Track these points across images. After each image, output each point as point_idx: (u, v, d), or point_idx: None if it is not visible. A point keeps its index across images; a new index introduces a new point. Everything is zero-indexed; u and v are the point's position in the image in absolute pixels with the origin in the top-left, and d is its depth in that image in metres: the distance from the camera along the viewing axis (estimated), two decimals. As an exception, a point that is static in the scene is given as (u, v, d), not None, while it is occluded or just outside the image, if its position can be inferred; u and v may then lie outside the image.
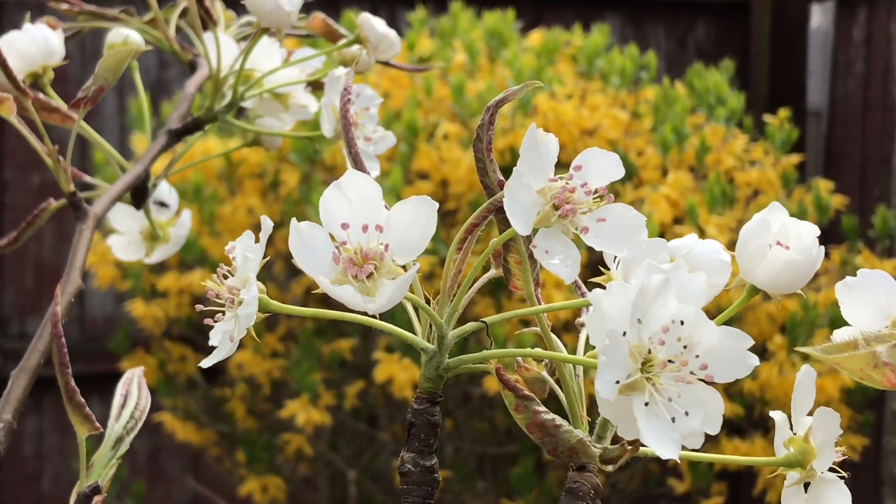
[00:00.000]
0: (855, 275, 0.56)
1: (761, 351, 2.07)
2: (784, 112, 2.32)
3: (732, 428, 2.14)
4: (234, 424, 2.28)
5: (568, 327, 1.96)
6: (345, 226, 0.48)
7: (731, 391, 2.08)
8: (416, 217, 0.48)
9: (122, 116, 2.68)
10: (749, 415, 2.13)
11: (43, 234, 2.71)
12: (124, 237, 0.80)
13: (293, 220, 0.47)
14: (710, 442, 2.17)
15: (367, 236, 0.48)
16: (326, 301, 2.11)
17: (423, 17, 2.38)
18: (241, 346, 2.21)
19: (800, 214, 2.14)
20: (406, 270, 0.49)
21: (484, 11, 2.45)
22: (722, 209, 2.09)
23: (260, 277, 0.51)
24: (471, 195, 2.09)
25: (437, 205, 0.48)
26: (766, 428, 2.16)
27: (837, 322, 1.93)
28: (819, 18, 3.09)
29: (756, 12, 3.08)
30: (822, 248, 0.53)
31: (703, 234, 2.02)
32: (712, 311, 1.92)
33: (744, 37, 3.14)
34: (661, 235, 1.70)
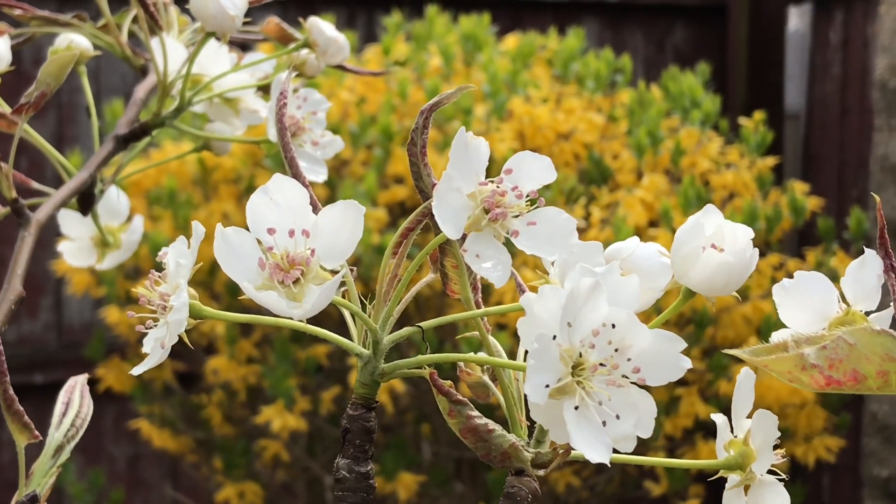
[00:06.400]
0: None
1: (737, 353, 2.07)
2: (759, 115, 2.33)
3: (709, 430, 2.14)
4: (210, 431, 2.27)
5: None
6: (271, 231, 0.48)
7: (707, 394, 2.08)
8: (344, 221, 0.48)
9: (100, 122, 2.67)
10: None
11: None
12: (75, 243, 0.80)
13: (218, 225, 0.47)
14: (687, 445, 2.18)
15: (294, 241, 0.48)
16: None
17: (398, 22, 2.38)
18: (216, 352, 2.21)
19: (775, 216, 2.15)
20: (334, 275, 0.48)
21: (461, 15, 2.45)
22: (697, 212, 2.09)
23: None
24: (446, 199, 2.09)
25: (363, 209, 0.48)
26: (743, 430, 2.16)
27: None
28: (796, 21, 3.10)
29: (733, 15, 3.09)
30: (756, 250, 0.53)
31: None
32: (687, 314, 1.92)
33: (721, 40, 3.15)
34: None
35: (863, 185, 2.87)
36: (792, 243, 2.82)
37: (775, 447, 0.56)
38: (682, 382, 2.09)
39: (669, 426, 2.05)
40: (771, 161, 2.26)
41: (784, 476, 0.56)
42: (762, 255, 2.19)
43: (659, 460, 0.56)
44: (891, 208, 2.43)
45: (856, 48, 2.93)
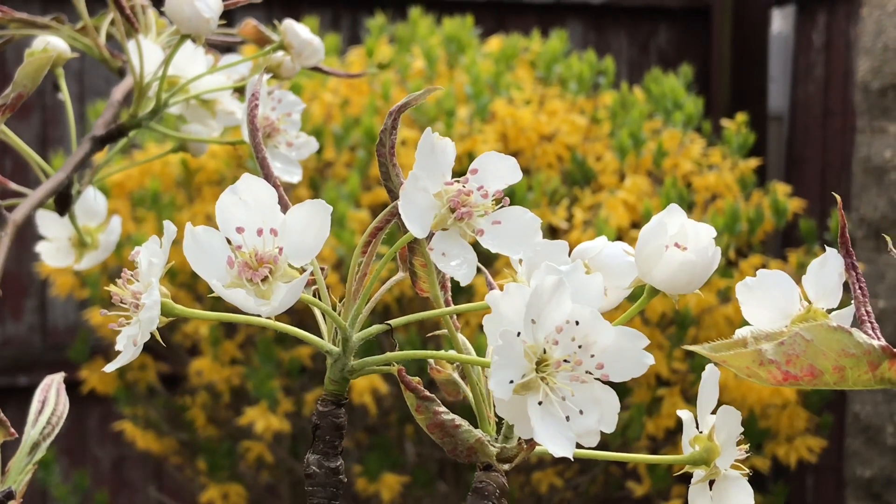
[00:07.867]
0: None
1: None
2: (741, 116, 2.34)
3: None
4: (194, 432, 2.28)
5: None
6: (240, 230, 0.48)
7: (689, 394, 2.09)
8: (311, 220, 0.49)
9: (83, 124, 2.67)
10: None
11: None
12: (53, 244, 0.80)
13: (188, 224, 0.48)
14: (669, 444, 2.18)
15: (262, 240, 0.49)
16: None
17: (381, 24, 2.39)
18: (199, 353, 2.21)
19: (757, 218, 2.16)
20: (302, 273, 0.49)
21: (444, 17, 2.46)
22: (679, 213, 2.10)
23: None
24: (429, 201, 2.09)
25: (331, 208, 0.48)
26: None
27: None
28: (780, 23, 3.11)
29: (717, 18, 3.10)
30: (719, 249, 0.54)
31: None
32: (669, 315, 1.92)
33: (705, 42, 3.16)
34: (619, 239, 1.72)
35: (845, 186, 2.89)
36: (774, 245, 2.83)
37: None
38: (664, 383, 2.11)
39: (651, 426, 2.06)
40: (753, 163, 2.27)
41: (748, 471, 0.57)
42: (744, 256, 2.20)
43: (630, 456, 0.57)
44: (873, 209, 2.44)
45: (838, 50, 2.94)
